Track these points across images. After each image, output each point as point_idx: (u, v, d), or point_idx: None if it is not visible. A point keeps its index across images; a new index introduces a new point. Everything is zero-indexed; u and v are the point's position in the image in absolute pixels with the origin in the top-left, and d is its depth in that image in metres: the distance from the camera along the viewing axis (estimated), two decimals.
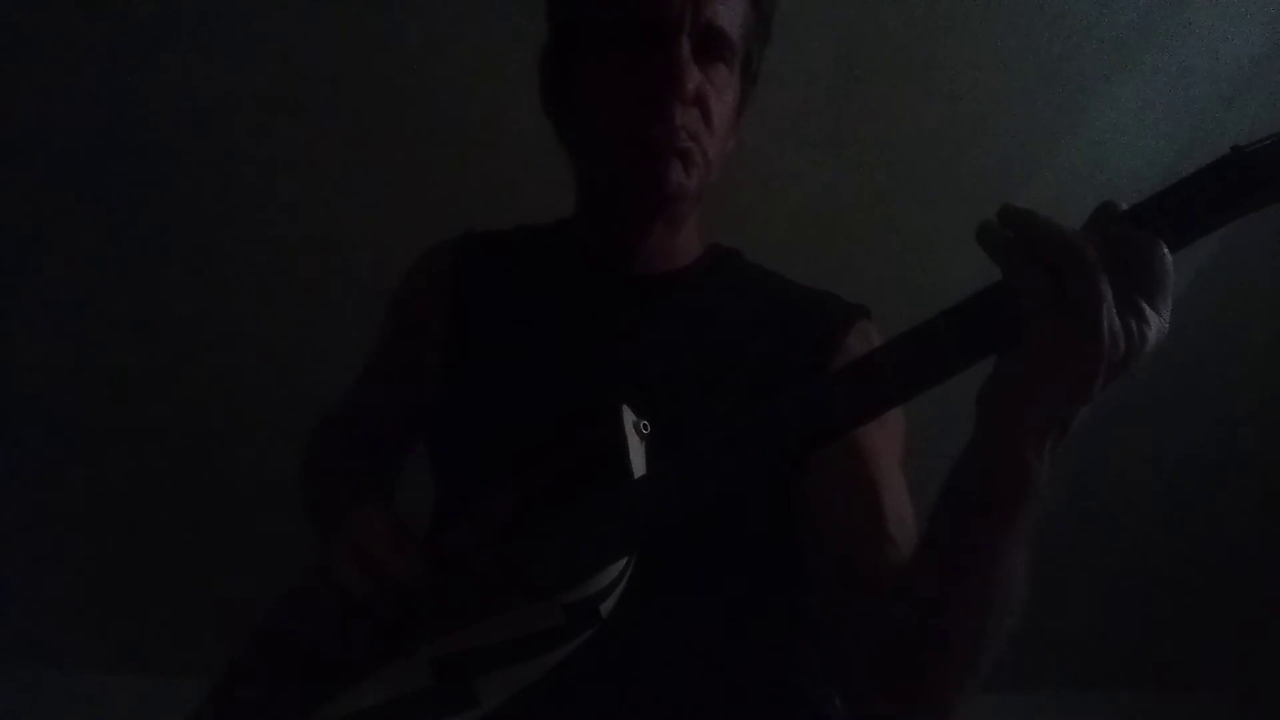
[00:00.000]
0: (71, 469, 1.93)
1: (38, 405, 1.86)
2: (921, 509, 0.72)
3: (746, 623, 0.81)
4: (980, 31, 1.62)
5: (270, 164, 1.68)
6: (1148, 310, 0.53)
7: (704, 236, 1.01)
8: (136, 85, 1.58)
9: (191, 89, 1.59)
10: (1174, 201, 0.53)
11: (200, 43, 1.55)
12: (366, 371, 1.09)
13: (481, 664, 0.68)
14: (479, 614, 0.69)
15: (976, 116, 1.71)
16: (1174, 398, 1.99)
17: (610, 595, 0.67)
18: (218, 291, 1.79)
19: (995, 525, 0.59)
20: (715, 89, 0.86)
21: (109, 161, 1.65)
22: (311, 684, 0.76)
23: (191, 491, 1.96)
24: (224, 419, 1.89)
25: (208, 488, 1.95)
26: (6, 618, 2.03)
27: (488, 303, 0.97)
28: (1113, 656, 2.33)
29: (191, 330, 1.82)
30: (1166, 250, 0.53)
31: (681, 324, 0.91)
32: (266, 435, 1.75)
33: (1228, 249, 1.78)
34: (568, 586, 0.66)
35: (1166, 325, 0.54)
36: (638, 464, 0.69)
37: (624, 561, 0.68)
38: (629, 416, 0.71)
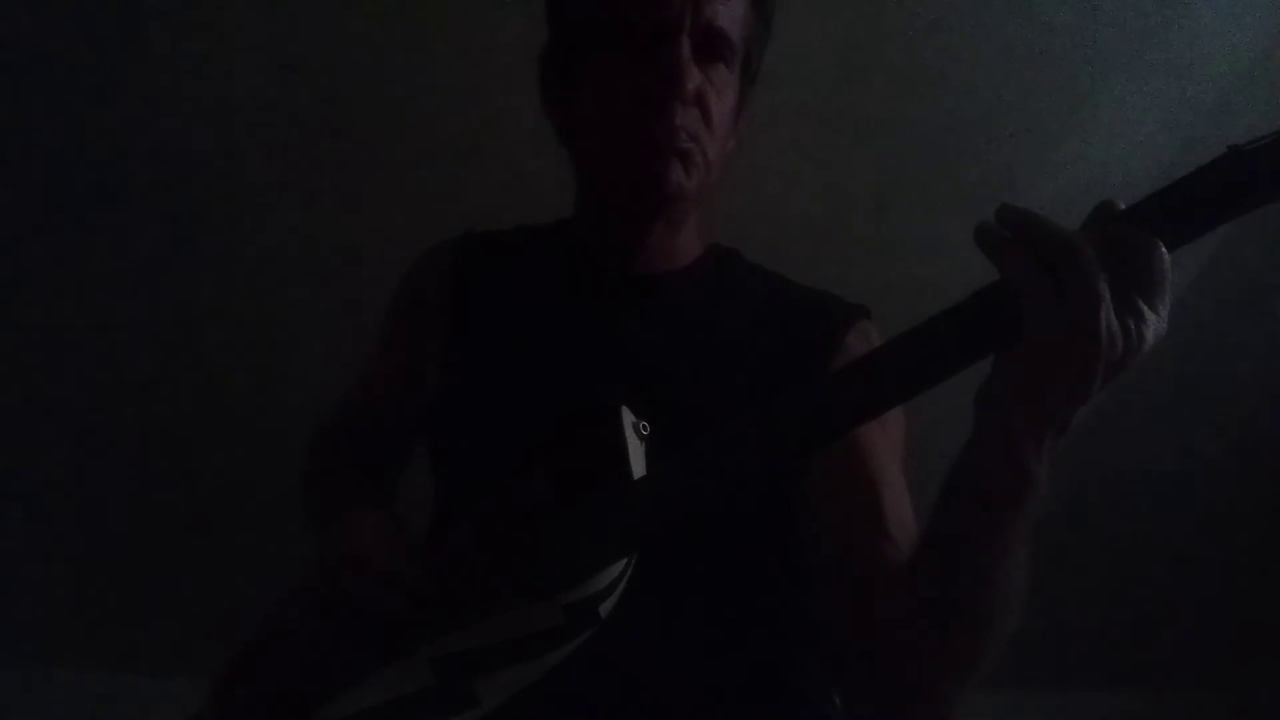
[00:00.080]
0: (72, 469, 1.93)
1: (38, 405, 1.86)
2: (921, 509, 0.72)
3: (746, 623, 0.80)
4: (980, 31, 1.62)
5: (270, 164, 1.68)
6: (1146, 310, 0.53)
7: (704, 237, 1.01)
8: (137, 86, 1.58)
9: (191, 89, 1.59)
10: (1172, 201, 0.53)
11: (200, 43, 1.55)
12: (366, 372, 1.09)
13: (481, 664, 0.68)
14: (479, 614, 0.69)
15: (976, 116, 1.71)
16: (1174, 398, 1.99)
17: (610, 596, 0.67)
18: (218, 292, 1.79)
19: (994, 525, 0.59)
20: (715, 89, 0.86)
21: (109, 162, 1.65)
22: (311, 684, 0.76)
23: (192, 492, 1.96)
24: (224, 419, 1.89)
25: (208, 488, 1.95)
26: (6, 618, 2.03)
27: (487, 303, 0.97)
28: (1113, 656, 2.33)
29: (192, 330, 1.82)
30: (1164, 249, 0.53)
31: (681, 324, 0.91)
32: (267, 435, 1.75)
33: (1228, 249, 1.79)
34: (567, 587, 0.66)
35: (1165, 324, 0.54)
36: (638, 464, 0.69)
37: (624, 562, 0.68)
38: (629, 417, 0.71)
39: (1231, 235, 1.73)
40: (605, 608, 0.67)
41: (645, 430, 0.71)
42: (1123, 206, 0.55)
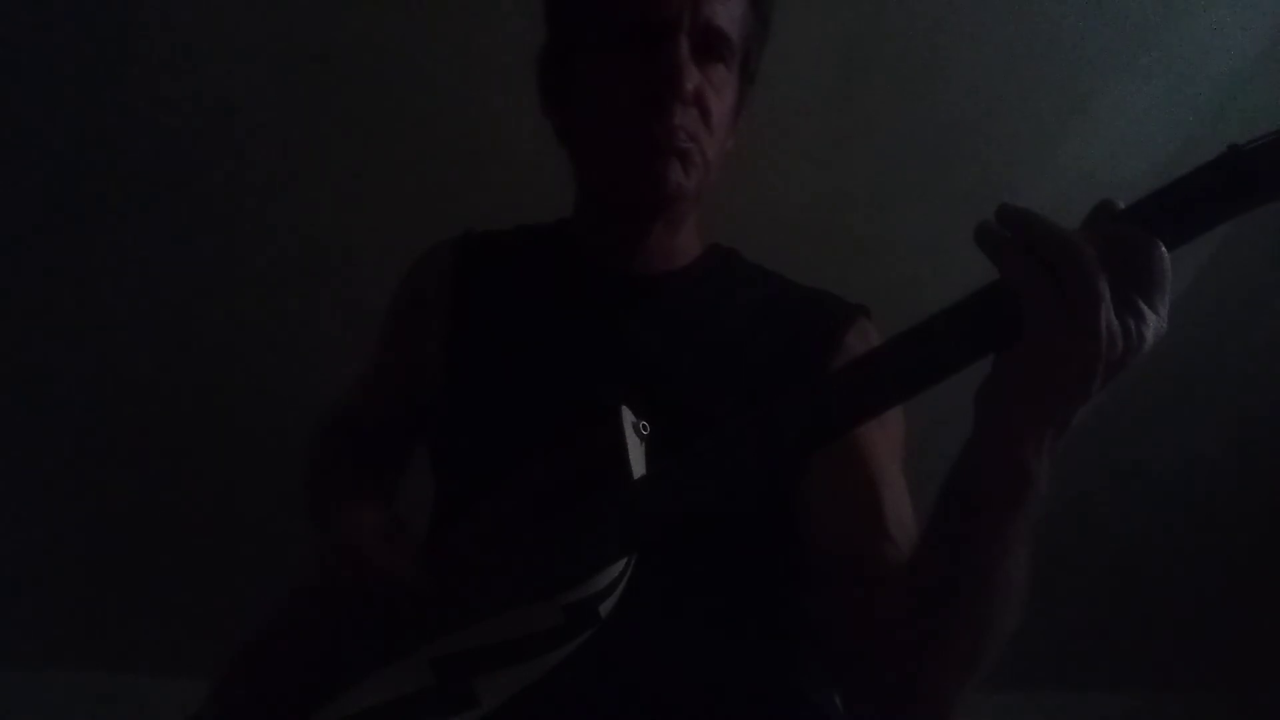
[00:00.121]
0: (71, 469, 1.93)
1: (38, 405, 1.86)
2: (921, 509, 0.72)
3: (746, 623, 0.80)
4: (980, 31, 1.62)
5: (270, 165, 1.68)
6: (1146, 309, 0.53)
7: (703, 237, 1.01)
8: (136, 86, 1.58)
9: (191, 90, 1.59)
10: (1171, 200, 0.53)
11: (201, 44, 1.55)
12: (367, 372, 1.09)
13: (481, 664, 0.68)
14: (479, 614, 0.69)
15: (976, 116, 1.71)
16: (1174, 397, 1.99)
17: (610, 596, 0.67)
18: (218, 291, 1.79)
19: (994, 524, 0.59)
20: (714, 89, 0.86)
21: (107, 162, 1.65)
22: (311, 684, 0.76)
23: (192, 491, 1.96)
24: (224, 418, 1.89)
25: (208, 488, 1.95)
26: (6, 618, 2.03)
27: (488, 303, 0.97)
28: (1113, 656, 2.33)
29: (192, 331, 1.82)
30: (1164, 248, 0.53)
31: (681, 324, 0.91)
32: (267, 435, 1.75)
33: (1227, 249, 1.79)
34: (567, 587, 0.66)
35: (1165, 324, 0.54)
36: (637, 464, 0.69)
37: (624, 562, 0.68)
38: (628, 417, 0.71)
39: (1231, 235, 1.74)
40: (605, 607, 0.67)
41: (645, 430, 0.71)
42: (1122, 206, 0.55)
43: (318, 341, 1.80)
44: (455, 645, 0.69)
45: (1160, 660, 2.34)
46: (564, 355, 0.89)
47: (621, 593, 0.68)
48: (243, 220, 1.73)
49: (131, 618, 2.06)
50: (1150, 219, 0.53)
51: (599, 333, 0.90)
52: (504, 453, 0.83)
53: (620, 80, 0.84)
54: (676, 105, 0.82)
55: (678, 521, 0.65)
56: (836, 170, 1.76)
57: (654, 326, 0.90)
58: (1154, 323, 0.53)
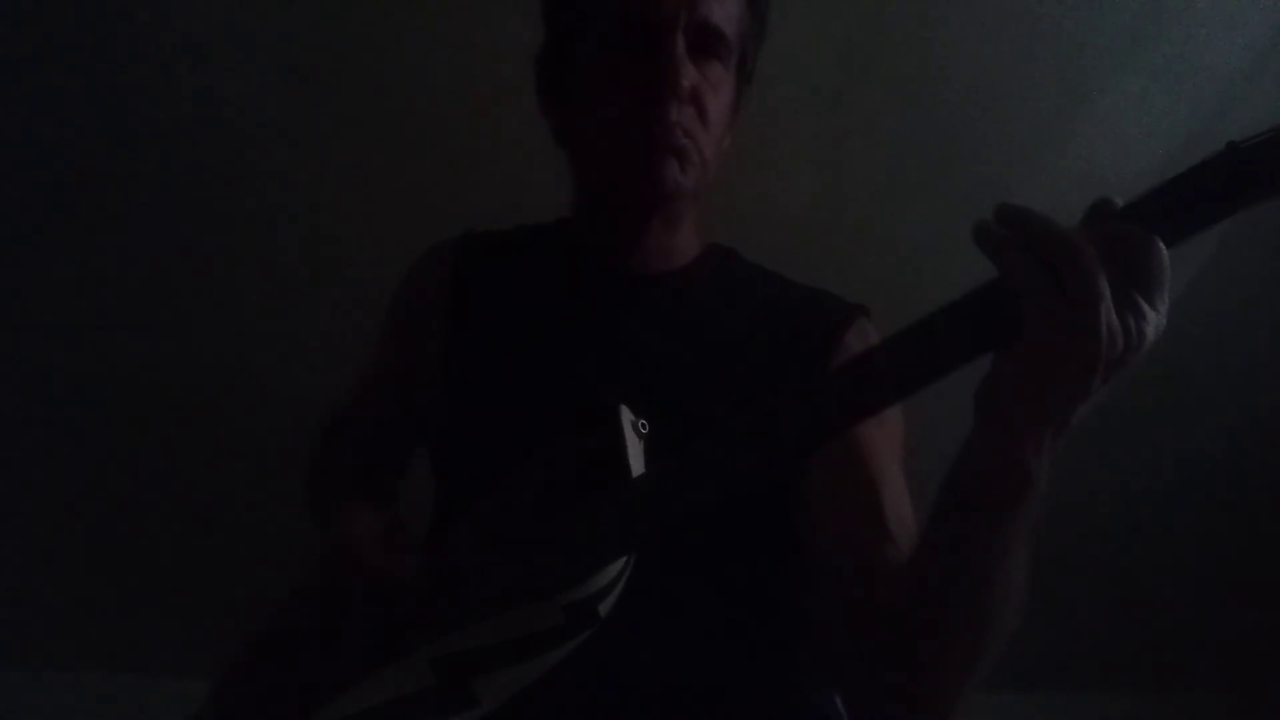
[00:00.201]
0: (71, 469, 1.93)
1: (38, 405, 1.86)
2: (921, 509, 0.72)
3: (746, 622, 0.80)
4: (980, 31, 1.62)
5: (270, 165, 1.68)
6: (1145, 307, 0.53)
7: (702, 236, 1.01)
8: (135, 85, 1.58)
9: (191, 90, 1.60)
10: (1170, 197, 0.53)
11: (200, 43, 1.55)
12: (367, 371, 1.09)
13: (481, 664, 0.68)
14: (479, 614, 0.69)
15: (976, 116, 1.71)
16: (1174, 397, 1.99)
17: (609, 595, 0.67)
18: (218, 291, 1.79)
19: (994, 524, 0.59)
20: (710, 86, 0.86)
21: (107, 162, 1.65)
22: (311, 684, 0.76)
23: (192, 491, 1.96)
24: (224, 418, 1.89)
25: (208, 487, 1.95)
26: (6, 618, 2.03)
27: (487, 302, 0.97)
28: (1112, 656, 2.33)
29: (192, 331, 1.82)
30: (1163, 246, 0.52)
31: (680, 323, 0.91)
32: (267, 435, 1.75)
33: (1227, 249, 1.79)
34: (567, 586, 0.66)
35: (1164, 322, 0.54)
36: (636, 463, 0.69)
37: (622, 561, 0.68)
38: (627, 416, 0.71)
39: (1232, 235, 1.74)
40: (604, 607, 0.67)
41: (644, 429, 0.71)
42: (1120, 203, 0.55)
43: (318, 341, 1.80)
44: (455, 645, 0.69)
45: (1160, 660, 2.34)
46: (563, 355, 0.89)
47: (621, 592, 0.68)
48: (242, 220, 1.73)
49: (131, 618, 2.06)
50: (1149, 217, 0.53)
51: (598, 332, 0.90)
52: (503, 452, 0.83)
53: (617, 79, 0.84)
54: (673, 103, 0.82)
55: (677, 521, 0.65)
56: (836, 170, 1.76)
57: (653, 326, 0.90)
58: (1154, 320, 0.53)
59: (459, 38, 1.56)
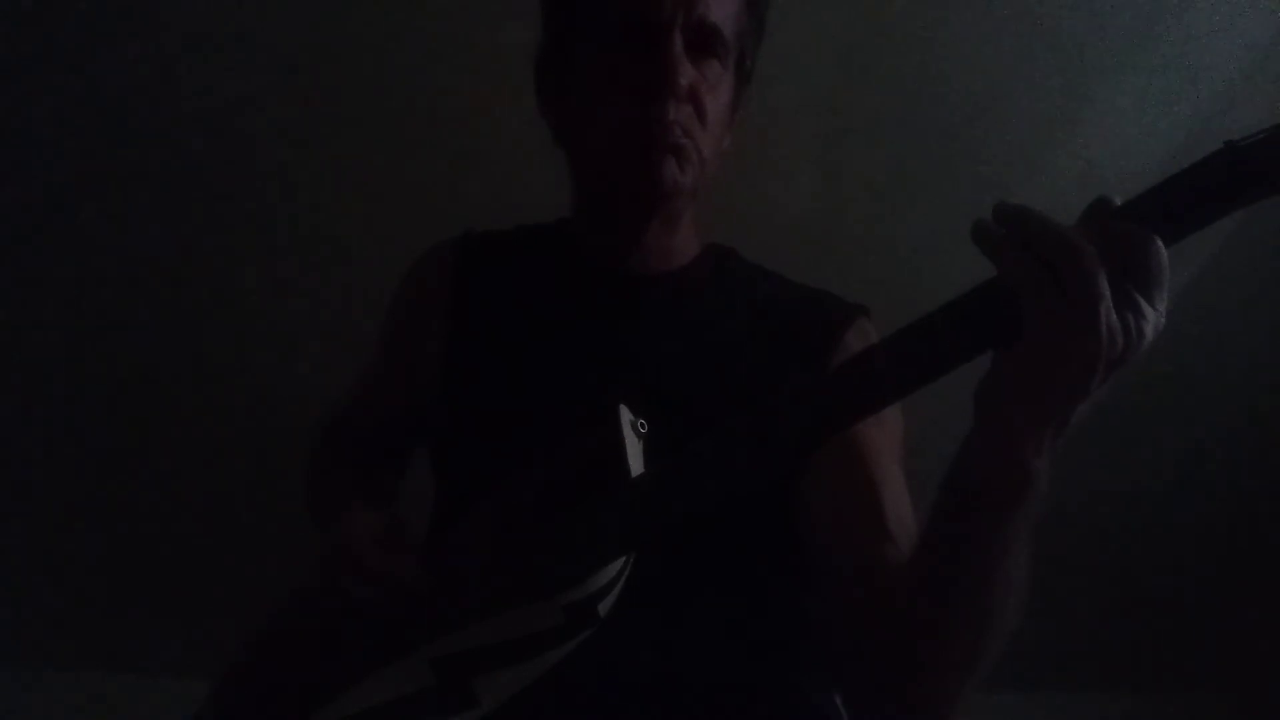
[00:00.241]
0: (72, 469, 1.93)
1: (37, 405, 1.87)
2: (921, 509, 0.72)
3: (746, 622, 0.80)
4: (980, 31, 1.62)
5: (270, 165, 1.68)
6: (1145, 305, 0.53)
7: (701, 236, 1.01)
8: (135, 85, 1.58)
9: (190, 89, 1.60)
10: (1168, 196, 0.53)
11: (199, 43, 1.55)
12: (367, 371, 1.09)
13: (481, 664, 0.68)
14: (479, 614, 0.69)
15: (976, 116, 1.71)
16: (1174, 397, 1.99)
17: (608, 595, 0.67)
18: (218, 291, 1.79)
19: (994, 524, 0.58)
20: (708, 85, 0.86)
21: (107, 162, 1.65)
22: (311, 684, 0.76)
23: (192, 491, 1.96)
24: (224, 418, 1.89)
25: (208, 487, 1.95)
26: (6, 618, 2.03)
27: (487, 302, 0.97)
28: (1113, 656, 2.33)
29: (192, 330, 1.82)
30: (1162, 245, 0.52)
31: (679, 323, 0.91)
32: (267, 435, 1.75)
33: (1227, 249, 1.79)
34: (567, 586, 0.66)
35: (1163, 320, 0.54)
36: (635, 463, 0.69)
37: (622, 561, 0.68)
38: (626, 415, 0.71)
39: (1232, 234, 1.74)
40: (604, 606, 0.67)
41: (643, 428, 0.71)
42: (1119, 202, 0.55)
43: (318, 341, 1.80)
44: (455, 645, 0.69)
45: (1160, 660, 2.34)
46: (562, 354, 0.89)
47: (620, 592, 0.68)
48: (242, 220, 1.73)
49: (131, 618, 2.06)
50: (1148, 215, 0.53)
51: (597, 332, 0.90)
52: (503, 452, 0.83)
53: (615, 78, 0.85)
54: (670, 101, 0.82)
55: (677, 520, 0.65)
56: (836, 170, 1.76)
57: (652, 325, 0.90)
58: (1153, 319, 0.53)
59: (459, 38, 1.56)
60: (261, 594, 0.87)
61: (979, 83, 1.67)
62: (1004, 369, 0.56)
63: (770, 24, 0.95)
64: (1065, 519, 2.00)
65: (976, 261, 0.55)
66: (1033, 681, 2.06)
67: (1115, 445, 1.97)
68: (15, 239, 1.70)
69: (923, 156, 1.75)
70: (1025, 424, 0.56)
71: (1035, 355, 0.53)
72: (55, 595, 2.04)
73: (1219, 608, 2.27)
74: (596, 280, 0.94)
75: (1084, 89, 1.69)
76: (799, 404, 0.61)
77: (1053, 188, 1.74)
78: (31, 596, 2.03)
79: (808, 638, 0.82)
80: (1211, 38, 1.63)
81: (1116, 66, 1.66)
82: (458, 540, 0.79)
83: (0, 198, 1.66)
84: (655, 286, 0.94)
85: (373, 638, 0.74)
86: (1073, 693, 2.37)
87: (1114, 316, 0.52)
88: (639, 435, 0.71)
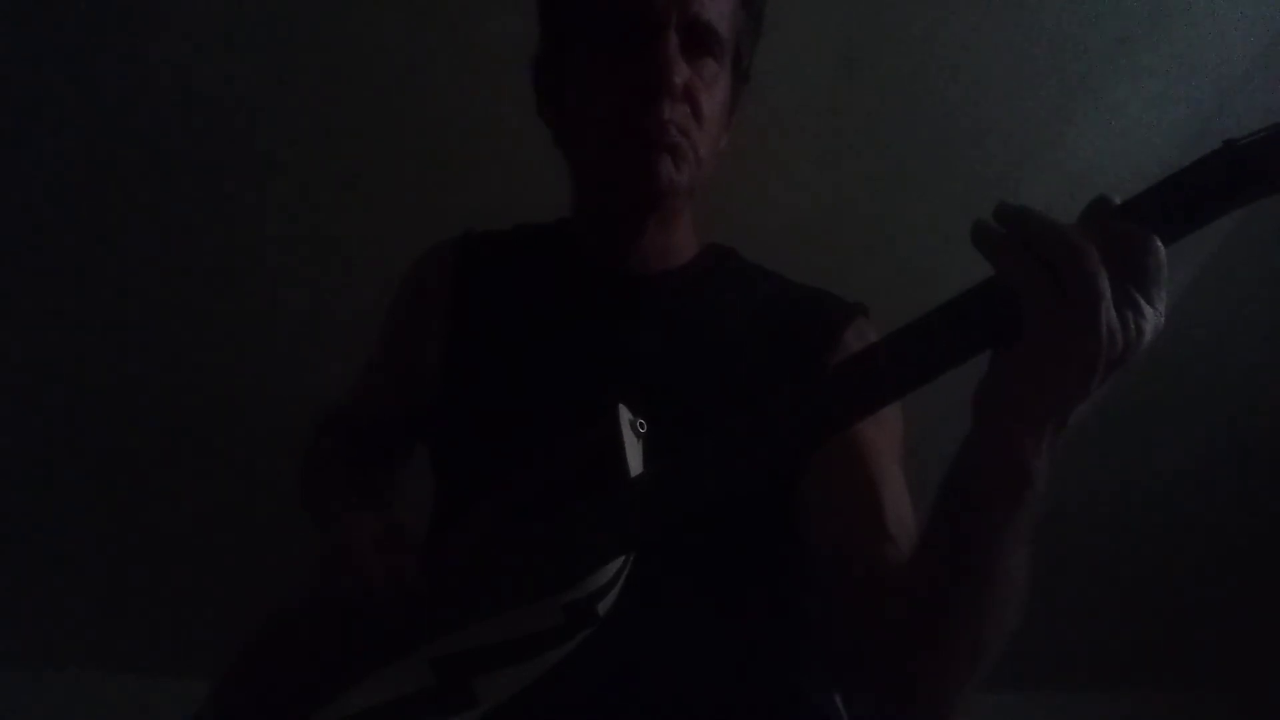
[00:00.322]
0: (72, 469, 1.93)
1: (37, 405, 1.87)
2: (921, 509, 0.72)
3: (745, 622, 0.80)
4: (980, 31, 1.62)
5: (270, 164, 1.68)
6: (1144, 305, 0.53)
7: (700, 236, 1.01)
8: (135, 85, 1.58)
9: (189, 89, 1.60)
10: (1168, 195, 0.53)
11: (198, 43, 1.55)
12: (366, 370, 1.09)
13: (481, 664, 0.68)
14: (478, 614, 0.69)
15: (976, 116, 1.71)
16: (1174, 397, 1.99)
17: (607, 594, 0.67)
18: (218, 291, 1.79)
19: (993, 523, 0.58)
20: (704, 83, 0.86)
21: (107, 162, 1.65)
22: (311, 684, 0.76)
23: (192, 491, 1.96)
24: (224, 419, 1.89)
25: (208, 487, 1.95)
26: (6, 618, 2.03)
27: (487, 302, 0.97)
28: (1112, 656, 2.33)
29: (192, 331, 1.82)
30: (1161, 244, 0.52)
31: (678, 322, 0.91)
32: (267, 435, 1.75)
33: (1227, 249, 1.79)
34: (566, 586, 0.66)
35: (1163, 320, 0.54)
36: (634, 462, 0.69)
37: (621, 560, 0.68)
38: (625, 415, 0.71)
39: (1232, 234, 1.74)
40: (604, 606, 0.67)
41: (642, 428, 0.71)
42: (1118, 202, 0.55)
43: (318, 341, 1.80)
44: (455, 645, 0.69)
45: (1160, 660, 2.34)
46: (562, 354, 0.89)
47: (620, 591, 0.68)
48: (242, 220, 1.73)
49: (131, 618, 2.06)
50: (1147, 214, 0.53)
51: (597, 331, 0.90)
52: (503, 452, 0.83)
53: (610, 77, 0.85)
54: (666, 100, 0.82)
55: (676, 520, 0.65)
56: (836, 170, 1.76)
57: (651, 325, 0.90)
58: (1152, 319, 0.53)
59: (459, 38, 1.56)
60: (261, 594, 0.87)
61: (978, 83, 1.67)
62: (1003, 369, 0.56)
63: (769, 24, 0.95)
64: (1065, 519, 2.00)
65: (976, 262, 0.55)
66: (1033, 681, 2.06)
67: (1115, 445, 1.97)
68: (15, 239, 1.70)
69: (923, 156, 1.75)
70: (1025, 424, 0.56)
71: (1035, 355, 0.54)
72: (55, 595, 2.04)
73: (1219, 608, 2.27)
74: (596, 280, 0.94)
75: (1083, 89, 1.69)
76: (799, 404, 0.61)
77: (1053, 188, 1.74)
78: (31, 596, 2.03)
79: (808, 638, 0.82)
80: (1211, 37, 1.63)
81: (1116, 66, 1.66)
82: (457, 540, 0.79)
83: (0, 198, 1.66)
84: (654, 286, 0.94)
85: (373, 638, 0.74)
86: (1073, 693, 2.37)
87: (1114, 316, 0.52)
88: (638, 435, 0.71)
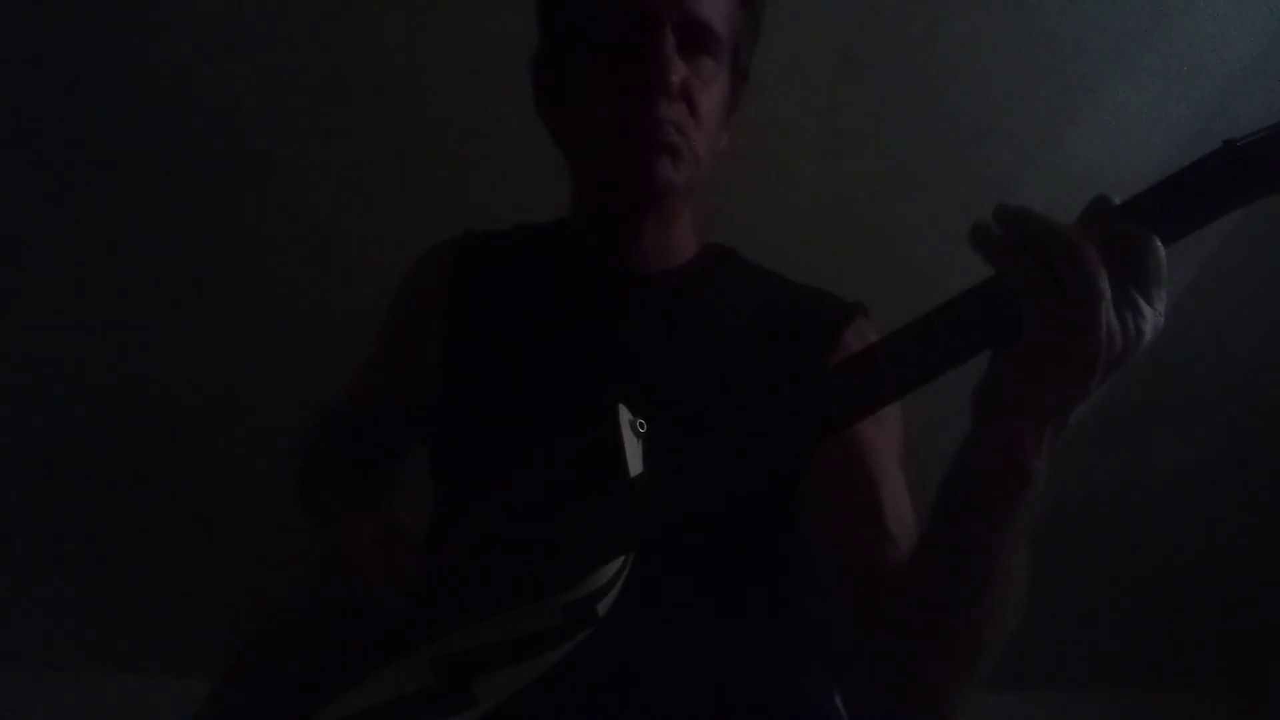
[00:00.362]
0: (72, 469, 1.93)
1: (38, 405, 1.87)
2: (921, 509, 0.72)
3: (745, 622, 0.80)
4: (980, 31, 1.62)
5: (270, 164, 1.68)
6: (1144, 305, 0.53)
7: (700, 236, 1.01)
8: (135, 85, 1.58)
9: (189, 89, 1.60)
10: (1167, 195, 0.53)
11: (198, 43, 1.55)
12: (365, 370, 1.09)
13: (481, 664, 0.68)
14: (479, 614, 0.69)
15: (976, 116, 1.71)
16: (1174, 397, 1.99)
17: (607, 594, 0.67)
18: (217, 291, 1.79)
19: (993, 523, 0.58)
20: (702, 82, 0.86)
21: (108, 162, 1.65)
22: (311, 684, 0.76)
23: (191, 492, 1.96)
24: (224, 419, 1.89)
25: (208, 488, 1.95)
26: (6, 618, 2.03)
27: (486, 302, 0.97)
28: (1112, 656, 2.33)
29: (191, 331, 1.83)
30: (1161, 244, 0.52)
31: (678, 322, 0.91)
32: (267, 436, 1.75)
33: (1227, 249, 1.79)
34: (566, 586, 0.66)
35: (1162, 320, 0.54)
36: (634, 462, 0.69)
37: (621, 560, 0.68)
38: (625, 415, 0.71)
39: (1231, 234, 1.74)
40: (603, 606, 0.67)
41: (642, 428, 0.71)
42: (1118, 201, 0.55)
43: (318, 341, 1.80)
44: (455, 645, 0.69)
45: (1160, 660, 2.34)
46: (561, 354, 0.89)
47: (620, 591, 0.68)
48: (242, 219, 1.73)
49: (131, 618, 2.06)
50: (1146, 214, 0.53)
51: (596, 331, 0.90)
52: (502, 452, 0.83)
53: (608, 77, 0.85)
54: (662, 99, 0.82)
55: (676, 520, 0.65)
56: (836, 170, 1.76)
57: (650, 325, 0.90)
58: (1152, 319, 0.53)
59: (459, 38, 1.56)
60: (261, 594, 0.87)
61: (978, 82, 1.67)
62: (1003, 369, 0.56)
63: (769, 24, 0.95)
64: (1065, 519, 2.00)
65: (976, 262, 0.55)
66: (1033, 681, 2.06)
67: (1115, 445, 1.97)
68: (15, 239, 1.70)
69: (923, 156, 1.75)
70: (1024, 424, 0.56)
71: (1035, 355, 0.53)
72: (55, 595, 2.04)
73: (1219, 608, 2.27)
74: (595, 280, 0.94)
75: (1083, 89, 1.69)
76: (799, 404, 0.61)
77: (1053, 188, 1.74)
78: (31, 596, 2.03)
79: (807, 637, 0.82)
80: (1211, 38, 1.63)
81: (1116, 66, 1.66)
82: (457, 540, 0.79)
83: (0, 198, 1.66)
84: (654, 286, 0.94)
85: (372, 638, 0.74)
86: (1073, 693, 2.37)
87: (1113, 316, 0.52)
88: (638, 435, 0.71)
